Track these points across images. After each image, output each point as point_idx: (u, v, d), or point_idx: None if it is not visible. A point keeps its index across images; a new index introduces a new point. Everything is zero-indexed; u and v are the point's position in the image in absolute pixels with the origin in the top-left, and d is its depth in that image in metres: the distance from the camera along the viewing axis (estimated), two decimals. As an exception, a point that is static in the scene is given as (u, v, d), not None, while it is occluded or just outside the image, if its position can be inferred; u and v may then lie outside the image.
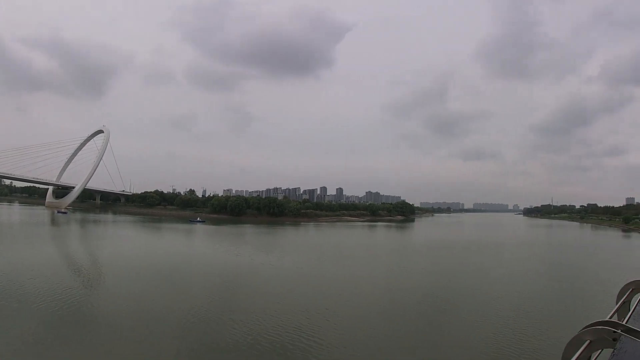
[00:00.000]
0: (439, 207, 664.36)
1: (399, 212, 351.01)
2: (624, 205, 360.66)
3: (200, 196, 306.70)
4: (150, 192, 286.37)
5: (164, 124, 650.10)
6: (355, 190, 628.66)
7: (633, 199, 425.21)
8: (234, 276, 58.09)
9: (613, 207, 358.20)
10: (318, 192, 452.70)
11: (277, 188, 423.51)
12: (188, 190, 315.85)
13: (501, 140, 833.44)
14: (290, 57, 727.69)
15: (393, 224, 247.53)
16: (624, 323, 3.65)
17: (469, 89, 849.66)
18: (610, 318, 4.03)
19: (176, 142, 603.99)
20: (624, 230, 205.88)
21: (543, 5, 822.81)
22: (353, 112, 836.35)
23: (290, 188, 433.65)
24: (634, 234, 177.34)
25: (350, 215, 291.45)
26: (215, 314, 38.33)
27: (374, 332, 35.68)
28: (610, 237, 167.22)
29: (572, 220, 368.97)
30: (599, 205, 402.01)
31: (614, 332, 3.29)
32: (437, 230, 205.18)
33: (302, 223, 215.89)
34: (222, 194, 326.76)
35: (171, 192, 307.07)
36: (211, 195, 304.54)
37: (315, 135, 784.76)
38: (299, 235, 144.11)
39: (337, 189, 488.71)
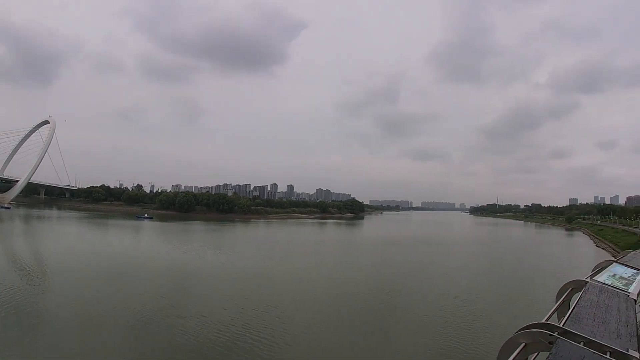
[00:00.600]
0: (388, 205, 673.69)
1: (349, 209, 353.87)
2: (566, 206, 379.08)
3: (148, 192, 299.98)
4: (97, 187, 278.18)
5: (112, 116, 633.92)
6: (306, 187, 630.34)
7: (576, 199, 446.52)
8: (181, 275, 55.80)
9: (556, 207, 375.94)
10: (269, 189, 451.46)
11: (227, 184, 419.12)
12: (135, 185, 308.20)
13: (449, 142, 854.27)
14: (244, 51, 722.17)
15: (343, 221, 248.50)
16: (561, 325, 3.74)
17: (420, 91, 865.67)
18: (548, 318, 4.23)
19: (124, 135, 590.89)
20: (567, 229, 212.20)
21: (495, 13, 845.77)
22: (305, 110, 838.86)
23: (240, 184, 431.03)
24: (577, 233, 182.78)
25: (300, 213, 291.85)
26: (163, 315, 36.28)
27: (323, 328, 34.90)
28: (555, 235, 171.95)
29: (517, 219, 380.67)
30: (542, 205, 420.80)
31: (550, 335, 3.27)
32: (386, 227, 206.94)
33: (252, 220, 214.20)
34: (170, 189, 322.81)
35: (118, 187, 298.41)
36: (159, 190, 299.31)
37: (267, 131, 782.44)
38: (248, 233, 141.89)
39: (287, 186, 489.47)
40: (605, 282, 6.04)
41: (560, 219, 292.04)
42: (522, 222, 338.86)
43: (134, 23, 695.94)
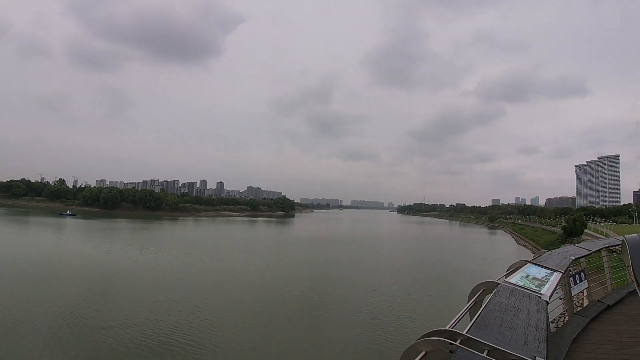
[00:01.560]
0: (318, 204, 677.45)
1: (280, 207, 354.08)
2: (489, 206, 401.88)
3: (71, 186, 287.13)
4: (16, 180, 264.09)
5: (35, 104, 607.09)
6: (236, 185, 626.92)
7: (498, 200, 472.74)
8: (105, 276, 53.39)
9: (480, 207, 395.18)
10: (198, 186, 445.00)
11: (154, 180, 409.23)
12: (58, 179, 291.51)
13: (379, 143, 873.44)
14: (178, 41, 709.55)
15: (273, 219, 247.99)
16: (466, 331, 3.55)
17: (353, 93, 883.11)
18: (455, 322, 4.09)
19: (47, 125, 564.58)
20: (490, 228, 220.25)
21: (430, 22, 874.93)
22: (238, 106, 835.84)
23: (168, 180, 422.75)
24: (499, 231, 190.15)
25: (230, 210, 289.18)
26: (86, 319, 34.54)
27: (251, 329, 34.34)
28: (478, 234, 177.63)
29: (442, 218, 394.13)
30: (466, 205, 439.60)
31: (451, 344, 3.05)
32: (316, 226, 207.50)
33: (180, 218, 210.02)
34: (95, 184, 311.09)
35: (39, 181, 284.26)
36: (83, 185, 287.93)
37: (197, 126, 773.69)
38: (176, 231, 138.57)
39: (217, 183, 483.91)
40: (517, 283, 5.91)
41: (484, 218, 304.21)
42: (447, 220, 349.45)
43: (65, 5, 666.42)
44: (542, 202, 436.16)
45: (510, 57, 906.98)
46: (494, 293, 5.19)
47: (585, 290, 10.11)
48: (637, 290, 6.65)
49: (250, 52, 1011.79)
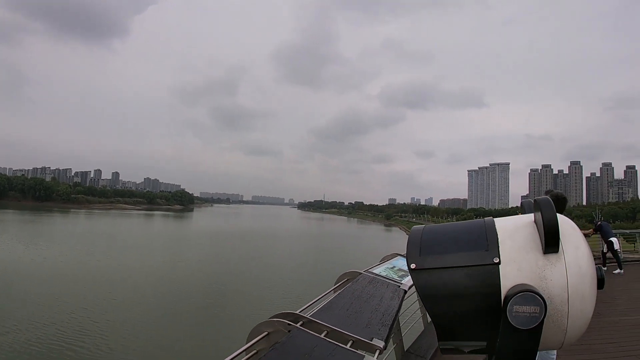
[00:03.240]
0: (219, 198, 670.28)
1: (178, 201, 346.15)
2: (386, 204, 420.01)
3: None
4: None
5: None
6: (133, 175, 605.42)
7: (395, 199, 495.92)
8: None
9: (377, 205, 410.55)
10: (92, 176, 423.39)
11: (45, 168, 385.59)
12: None
13: (283, 139, 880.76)
14: (83, 16, 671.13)
15: (171, 213, 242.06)
16: (309, 314, 3.74)
17: (260, 87, 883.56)
18: (311, 304, 4.23)
19: None
20: (386, 225, 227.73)
21: (342, 25, 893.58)
22: (140, 92, 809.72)
23: (60, 169, 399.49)
24: (395, 228, 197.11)
25: (126, 203, 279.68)
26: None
27: (144, 329, 33.65)
28: (375, 230, 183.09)
29: (341, 215, 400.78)
30: (365, 203, 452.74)
31: (289, 324, 3.26)
32: (216, 221, 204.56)
33: (72, 210, 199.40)
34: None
35: None
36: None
37: (96, 111, 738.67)
38: (68, 225, 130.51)
39: (113, 173, 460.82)
40: (380, 274, 6.13)
41: (380, 216, 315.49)
42: (346, 217, 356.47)
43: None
44: (435, 203, 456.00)
45: (415, 66, 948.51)
46: (353, 281, 5.54)
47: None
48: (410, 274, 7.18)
49: (158, 36, 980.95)
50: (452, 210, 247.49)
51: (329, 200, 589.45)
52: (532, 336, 1.63)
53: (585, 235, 13.94)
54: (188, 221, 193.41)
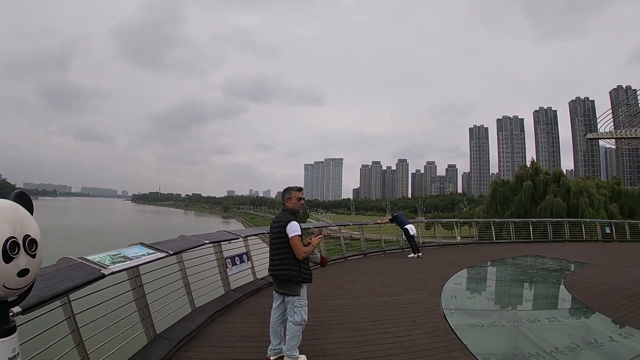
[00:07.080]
0: (44, 190, 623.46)
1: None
2: (224, 197, 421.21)
3: None
4: None
5: None
6: None
7: (233, 191, 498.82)
8: None
9: (215, 197, 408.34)
10: None
11: None
12: None
13: (116, 124, 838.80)
14: None
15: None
16: None
17: (95, 64, 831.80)
18: None
19: None
20: (223, 217, 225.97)
21: (192, 8, 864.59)
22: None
23: None
24: (232, 220, 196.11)
25: None
26: None
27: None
28: (212, 222, 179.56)
29: (178, 208, 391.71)
30: (202, 195, 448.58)
31: None
32: (40, 217, 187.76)
33: None
34: None
35: None
36: None
37: None
38: None
39: None
40: (93, 259, 5.57)
41: (218, 208, 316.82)
42: (183, 210, 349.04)
43: None
44: (273, 195, 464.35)
45: (261, 59, 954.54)
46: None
47: (250, 270, 10.51)
48: None
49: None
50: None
51: (165, 192, 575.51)
52: None
53: (383, 224, 19.93)
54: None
